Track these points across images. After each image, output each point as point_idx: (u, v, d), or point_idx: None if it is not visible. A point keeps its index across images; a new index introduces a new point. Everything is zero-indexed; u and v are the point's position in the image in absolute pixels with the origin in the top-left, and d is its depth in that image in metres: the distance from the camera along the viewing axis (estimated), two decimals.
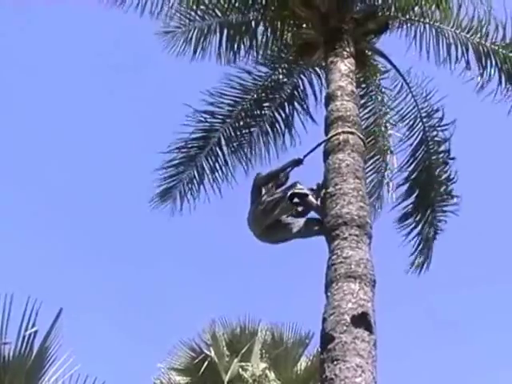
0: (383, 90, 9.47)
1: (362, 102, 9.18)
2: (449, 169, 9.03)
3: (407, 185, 9.15)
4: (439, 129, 9.06)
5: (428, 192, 9.06)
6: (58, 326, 6.27)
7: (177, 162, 9.17)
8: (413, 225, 9.16)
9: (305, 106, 9.37)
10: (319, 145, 6.73)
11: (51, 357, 6.30)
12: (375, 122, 9.50)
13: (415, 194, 9.11)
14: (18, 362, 5.96)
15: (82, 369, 6.35)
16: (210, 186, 9.23)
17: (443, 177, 9.04)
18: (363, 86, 9.26)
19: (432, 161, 9.06)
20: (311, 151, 6.77)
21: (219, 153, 9.18)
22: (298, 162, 6.74)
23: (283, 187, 6.59)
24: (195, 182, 9.20)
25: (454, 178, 8.99)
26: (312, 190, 6.52)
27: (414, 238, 9.20)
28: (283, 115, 9.35)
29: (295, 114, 9.37)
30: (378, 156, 9.52)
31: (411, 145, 9.19)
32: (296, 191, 6.40)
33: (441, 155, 9.05)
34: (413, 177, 9.11)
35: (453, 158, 9.02)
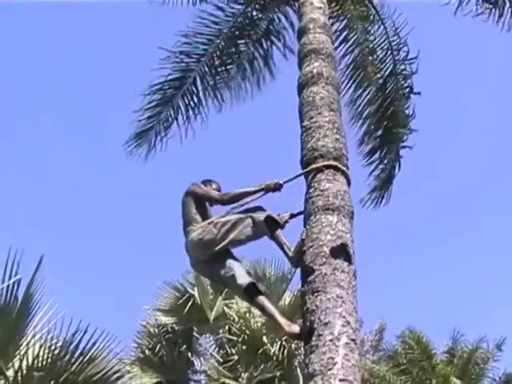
0: (363, 18, 9.35)
1: (344, 34, 9.20)
2: (410, 104, 9.15)
3: (376, 117, 9.19)
4: (406, 62, 9.09)
5: (393, 127, 9.15)
6: (40, 274, 6.33)
7: (154, 104, 9.11)
8: (378, 160, 9.27)
9: (282, 40, 9.30)
10: (301, 174, 5.71)
11: (36, 304, 6.37)
12: (361, 53, 9.36)
13: (382, 128, 9.16)
14: (3, 311, 6.03)
15: (67, 314, 6.45)
16: (184, 125, 9.21)
17: (405, 112, 9.14)
18: (342, 18, 9.15)
19: (398, 95, 9.09)
20: (292, 179, 5.63)
21: (194, 92, 9.14)
22: (276, 187, 5.47)
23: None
24: (170, 121, 9.16)
25: (413, 114, 9.12)
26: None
27: (378, 173, 9.37)
28: (261, 51, 9.30)
29: (273, 48, 9.35)
30: (371, 87, 9.39)
31: (381, 77, 9.18)
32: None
33: (406, 90, 9.09)
34: (381, 109, 9.14)
35: (418, 93, 9.07)
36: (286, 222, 5.33)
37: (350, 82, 9.36)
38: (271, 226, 5.17)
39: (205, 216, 5.51)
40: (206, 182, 5.84)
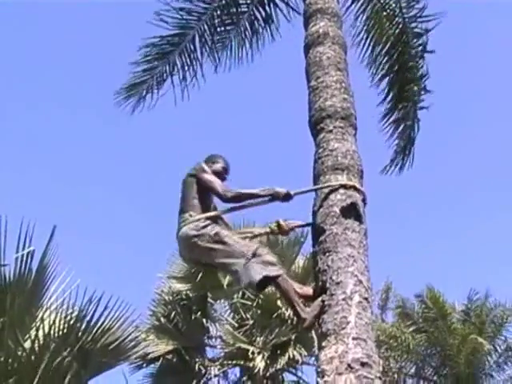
0: None
1: None
2: (423, 63, 8.94)
3: (388, 79, 9.07)
4: (419, 20, 8.87)
5: (406, 88, 8.99)
6: (54, 244, 6.32)
7: (150, 58, 8.98)
8: (395, 123, 9.15)
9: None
10: (314, 189, 5.27)
11: (50, 274, 6.38)
12: (374, 9, 9.10)
13: (397, 89, 9.04)
14: (18, 282, 6.04)
15: (82, 283, 6.46)
16: (179, 83, 9.07)
17: (419, 72, 8.95)
18: None
19: (410, 55, 8.94)
20: (304, 192, 5.17)
21: (192, 50, 9.02)
22: (286, 197, 4.93)
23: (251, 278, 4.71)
24: (164, 76, 9.04)
25: (427, 74, 8.92)
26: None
27: (397, 137, 9.22)
28: (263, 12, 9.14)
29: (276, 9, 9.16)
30: (389, 43, 9.12)
31: (392, 35, 9.02)
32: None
33: (419, 48, 8.92)
34: (395, 68, 9.01)
35: (431, 52, 8.88)
36: (292, 229, 5.21)
37: (368, 40, 9.17)
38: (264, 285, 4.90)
39: (206, 202, 5.09)
40: (212, 159, 5.36)
